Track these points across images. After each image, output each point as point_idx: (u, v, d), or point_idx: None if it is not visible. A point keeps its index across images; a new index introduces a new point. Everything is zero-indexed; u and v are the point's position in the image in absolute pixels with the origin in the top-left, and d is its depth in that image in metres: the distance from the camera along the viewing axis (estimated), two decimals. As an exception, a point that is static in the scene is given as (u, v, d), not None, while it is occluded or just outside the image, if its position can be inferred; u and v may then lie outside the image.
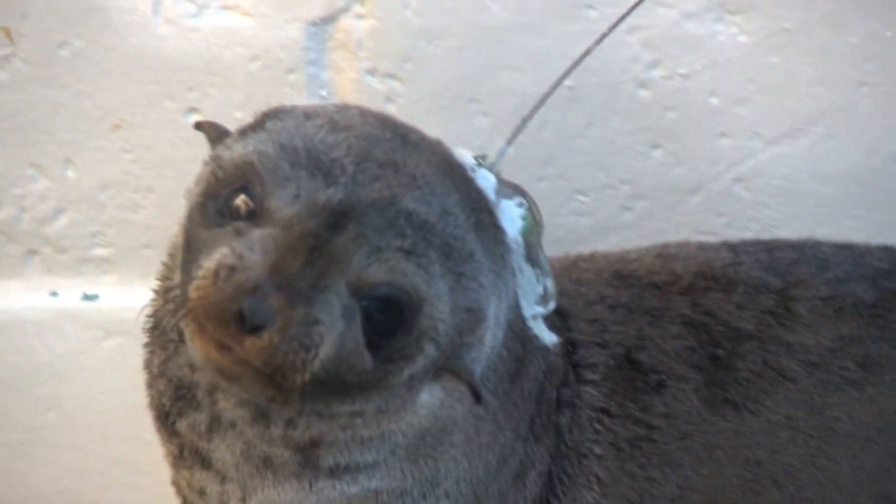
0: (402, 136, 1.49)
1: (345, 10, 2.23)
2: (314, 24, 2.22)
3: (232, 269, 1.25)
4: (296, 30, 2.22)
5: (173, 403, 1.55)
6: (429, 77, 2.24)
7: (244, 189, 1.36)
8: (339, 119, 1.45)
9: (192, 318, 1.29)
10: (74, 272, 2.40)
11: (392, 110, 2.23)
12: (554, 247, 2.16)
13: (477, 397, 1.51)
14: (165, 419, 1.58)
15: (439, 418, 1.55)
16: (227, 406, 1.50)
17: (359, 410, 1.46)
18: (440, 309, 1.39)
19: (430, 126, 2.21)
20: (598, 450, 1.72)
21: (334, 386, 1.35)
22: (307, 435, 1.49)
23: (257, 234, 1.30)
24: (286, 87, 2.25)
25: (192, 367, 1.50)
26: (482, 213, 1.52)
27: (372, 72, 2.25)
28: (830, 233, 2.21)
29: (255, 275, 1.24)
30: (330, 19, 2.22)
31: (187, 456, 1.58)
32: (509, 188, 1.67)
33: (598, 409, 1.73)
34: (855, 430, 1.74)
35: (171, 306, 1.54)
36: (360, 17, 2.22)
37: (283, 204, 1.32)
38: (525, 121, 1.83)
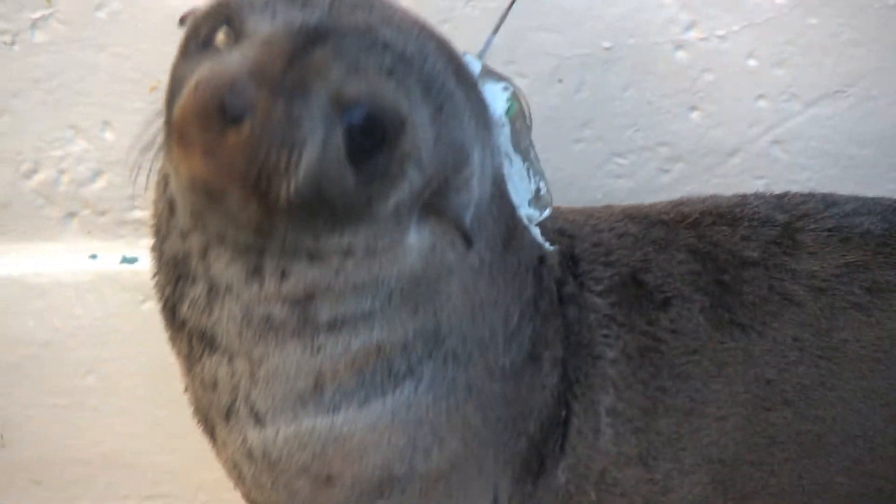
0: None
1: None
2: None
3: (212, 75, 1.26)
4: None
5: (174, 289, 1.57)
6: (465, 39, 2.14)
7: (224, 23, 1.38)
8: None
9: (176, 134, 1.28)
10: (113, 235, 2.41)
11: None
12: None
13: (468, 241, 1.51)
14: (172, 316, 1.60)
15: (431, 263, 1.55)
16: (221, 267, 1.51)
17: (347, 247, 1.46)
18: (422, 133, 1.40)
19: None
20: (611, 353, 1.75)
21: (319, 209, 1.36)
22: (301, 286, 1.49)
23: (238, 51, 1.31)
24: None
25: (182, 235, 1.52)
26: (465, 75, 1.54)
27: None
28: (869, 194, 2.19)
29: (233, 71, 1.25)
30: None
31: (195, 345, 1.59)
32: (496, 75, 1.65)
33: (605, 315, 1.76)
34: (863, 351, 1.76)
35: (162, 188, 1.58)
36: (399, -23, 2.20)
37: (260, 24, 1.34)
38: (506, 12, 1.84)
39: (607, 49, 2.23)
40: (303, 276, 1.47)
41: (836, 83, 2.25)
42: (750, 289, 1.79)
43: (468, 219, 1.52)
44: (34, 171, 2.36)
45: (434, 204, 1.47)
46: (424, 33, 1.48)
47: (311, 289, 1.49)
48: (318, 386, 1.56)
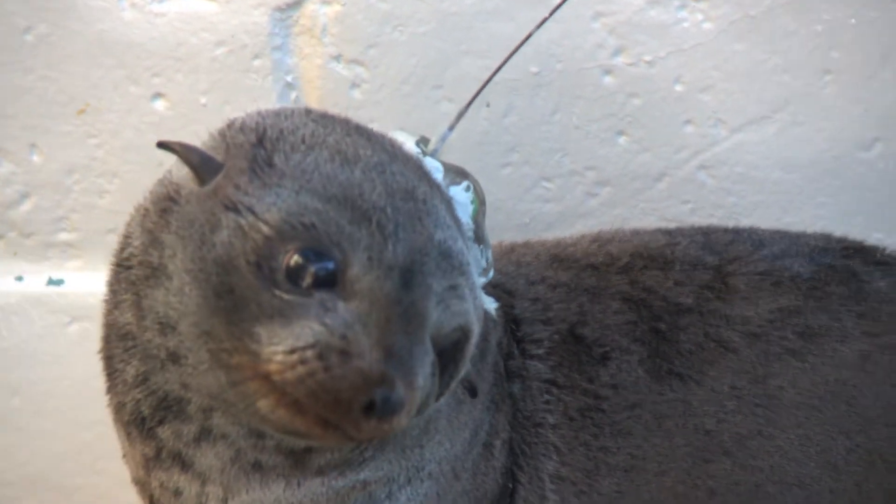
0: (387, 152, 1.51)
1: (310, -5, 2.24)
2: (279, 9, 2.22)
3: (344, 355, 1.25)
4: (261, 15, 2.21)
5: (154, 412, 1.53)
6: (394, 63, 2.23)
7: (313, 253, 1.33)
8: (339, 145, 1.46)
9: (276, 391, 1.28)
10: (40, 257, 2.39)
11: (357, 96, 2.26)
12: (520, 232, 2.29)
13: (473, 393, 1.58)
14: (141, 424, 1.56)
15: (425, 413, 1.56)
16: (222, 423, 1.49)
17: None
18: (476, 332, 1.46)
19: (396, 112, 2.25)
20: (551, 419, 1.74)
21: None
22: (303, 443, 1.50)
23: (344, 308, 1.30)
24: (252, 73, 2.24)
25: (185, 385, 1.48)
26: (453, 211, 1.56)
27: (337, 58, 2.25)
28: (795, 220, 2.26)
29: (376, 363, 1.26)
30: (295, 5, 2.22)
31: (165, 458, 1.56)
32: (453, 172, 1.68)
33: (546, 380, 1.75)
34: (799, 398, 1.77)
35: (154, 327, 1.49)
36: (325, 2, 2.21)
37: (361, 271, 1.32)
38: (465, 108, 1.85)
39: (535, 74, 2.24)
40: None
41: (763, 109, 2.27)
42: (686, 336, 1.79)
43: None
44: None
45: None
46: (436, 197, 1.50)
47: (312, 445, 1.51)
48: None
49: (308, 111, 1.56)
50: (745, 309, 1.81)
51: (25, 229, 2.37)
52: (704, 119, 2.29)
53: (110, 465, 2.15)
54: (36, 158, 2.32)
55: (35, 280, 2.40)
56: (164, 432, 1.54)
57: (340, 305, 1.30)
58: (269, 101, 2.22)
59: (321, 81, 2.26)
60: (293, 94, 2.27)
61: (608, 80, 2.26)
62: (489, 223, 2.14)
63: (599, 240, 1.94)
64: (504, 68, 2.17)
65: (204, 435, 1.52)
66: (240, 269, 1.35)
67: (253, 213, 1.36)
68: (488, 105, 2.26)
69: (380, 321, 1.29)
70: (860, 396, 1.77)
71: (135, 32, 2.22)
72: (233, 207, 1.37)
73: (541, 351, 1.78)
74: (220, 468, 1.54)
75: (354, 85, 2.27)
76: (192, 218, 1.42)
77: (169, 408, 1.53)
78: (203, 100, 2.20)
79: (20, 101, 2.28)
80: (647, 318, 1.80)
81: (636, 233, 1.97)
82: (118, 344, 1.56)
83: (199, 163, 1.45)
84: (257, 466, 1.53)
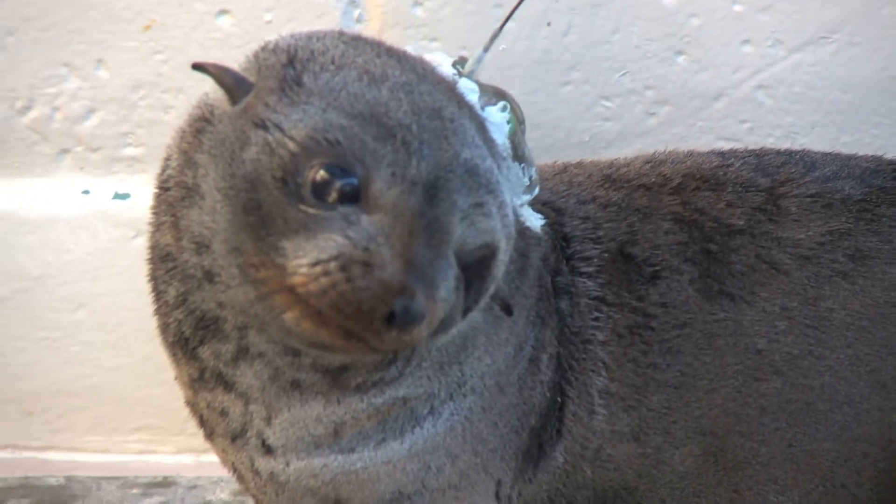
0: (416, 73, 1.53)
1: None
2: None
3: (367, 266, 1.28)
4: (325, -67, 2.24)
5: (195, 332, 1.57)
6: None
7: (337, 168, 1.36)
8: (368, 66, 1.48)
9: (301, 303, 1.31)
10: (105, 171, 2.43)
11: (419, 14, 2.30)
12: (579, 151, 2.33)
13: (508, 311, 1.60)
14: (185, 345, 1.60)
15: (462, 330, 1.59)
16: (258, 340, 1.53)
17: None
18: (504, 249, 1.48)
19: (457, 30, 2.29)
20: (600, 336, 1.77)
21: None
22: (337, 361, 1.53)
23: (368, 221, 1.33)
24: None
25: (220, 304, 1.52)
26: (484, 130, 1.59)
27: None
28: (851, 140, 2.30)
29: (397, 273, 1.28)
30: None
31: (209, 378, 1.60)
32: (490, 92, 1.70)
33: (595, 297, 1.78)
34: (849, 320, 1.78)
35: (190, 246, 1.53)
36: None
37: (384, 186, 1.35)
38: (498, 30, 1.86)
39: None
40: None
41: (821, 29, 2.28)
42: (737, 258, 1.80)
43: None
44: (28, 108, 2.37)
45: None
46: (465, 115, 1.51)
47: (346, 363, 1.55)
48: (336, 432, 1.61)
49: (341, 33, 1.58)
50: (797, 231, 1.82)
51: (92, 144, 2.40)
52: (763, 39, 2.30)
53: (171, 376, 2.16)
54: (102, 74, 2.34)
55: (101, 194, 2.43)
56: (205, 352, 1.58)
57: (364, 219, 1.33)
58: (332, 19, 2.24)
59: (384, 0, 2.28)
60: (356, 12, 2.28)
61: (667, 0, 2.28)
62: (549, 142, 2.24)
63: (653, 161, 1.96)
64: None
65: (241, 354, 1.55)
66: (267, 184, 1.38)
67: (280, 129, 1.39)
68: (549, 24, 2.27)
69: (402, 234, 1.32)
70: None
71: (201, -52, 2.26)
72: (261, 125, 1.41)
73: (590, 269, 1.80)
74: (259, 387, 1.57)
75: (417, 3, 2.28)
76: (224, 137, 1.45)
77: (207, 327, 1.56)
78: (268, 16, 2.22)
79: (87, 16, 2.30)
80: (698, 238, 1.81)
81: (690, 154, 1.98)
82: (160, 266, 1.60)
83: (232, 83, 1.49)
84: (296, 385, 1.57)
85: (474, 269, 1.44)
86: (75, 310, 2.48)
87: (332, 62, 1.48)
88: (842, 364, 1.78)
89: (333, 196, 1.34)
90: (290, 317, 1.35)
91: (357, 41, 1.55)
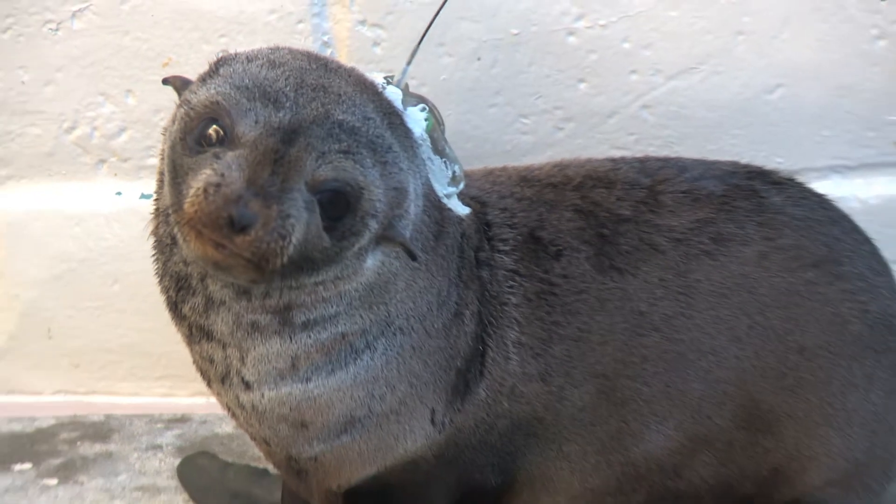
0: (324, 65, 1.63)
1: (342, -26, 2.36)
2: (318, -17, 2.35)
3: (217, 186, 1.38)
4: (304, -11, 2.35)
5: (177, 293, 1.68)
6: (406, 26, 2.44)
7: (214, 121, 1.49)
8: (275, 58, 1.59)
9: (190, 227, 1.40)
10: (134, 177, 2.65)
11: (378, 52, 2.45)
12: (503, 158, 2.52)
13: (412, 255, 1.66)
14: (175, 307, 1.71)
15: (382, 274, 1.69)
16: (216, 288, 1.63)
17: (321, 280, 1.62)
18: (375, 192, 1.54)
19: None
20: (514, 299, 1.85)
21: (303, 264, 1.52)
22: (281, 302, 1.62)
23: (230, 155, 1.43)
24: (296, 34, 2.44)
25: (185, 262, 1.63)
26: (393, 117, 1.67)
27: (362, 22, 2.45)
28: (715, 148, 2.49)
29: (236, 188, 1.37)
30: (330, -20, 2.35)
31: (195, 333, 1.70)
32: (413, 98, 1.78)
33: (510, 270, 1.86)
34: (712, 288, 1.88)
35: (163, 219, 1.66)
36: (353, -21, 2.36)
37: (247, 129, 1.46)
38: (416, 48, 1.93)
39: (515, 34, 2.44)
40: (283, 295, 1.62)
41: (691, 61, 2.45)
42: (625, 240, 1.87)
43: (409, 235, 1.65)
44: (73, 128, 2.60)
45: (384, 234, 1.62)
46: (364, 97, 1.59)
47: (289, 303, 1.63)
48: (294, 365, 1.69)
49: (280, 46, 1.68)
50: (671, 219, 1.90)
51: (123, 155, 2.63)
52: (646, 69, 2.46)
53: (186, 338, 2.29)
54: (131, 101, 2.56)
55: (130, 195, 2.65)
56: (186, 309, 1.67)
57: (228, 154, 1.42)
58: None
59: (350, 41, 2.45)
60: (329, 51, 2.46)
61: (571, 39, 2.44)
62: (479, 152, 2.43)
63: (559, 165, 2.03)
64: (490, 30, 2.42)
65: (210, 304, 1.64)
66: (175, 146, 1.52)
67: (189, 103, 1.55)
68: (479, 59, 2.46)
69: (251, 162, 1.39)
70: (758, 286, 1.88)
71: (207, 2, 2.45)
72: (183, 103, 1.58)
73: (507, 248, 1.87)
74: (229, 332, 1.66)
75: (376, 43, 2.46)
76: (170, 124, 1.61)
77: (181, 287, 1.66)
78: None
79: (119, 55, 2.52)
80: (593, 224, 1.89)
81: (588, 160, 2.06)
82: (155, 245, 1.74)
83: (181, 84, 1.66)
84: (255, 326, 1.65)
85: (340, 202, 1.49)
86: (112, 284, 2.70)
87: (247, 57, 1.60)
88: (706, 322, 1.87)
89: (208, 141, 1.48)
90: (186, 244, 1.46)
91: (290, 50, 1.65)
